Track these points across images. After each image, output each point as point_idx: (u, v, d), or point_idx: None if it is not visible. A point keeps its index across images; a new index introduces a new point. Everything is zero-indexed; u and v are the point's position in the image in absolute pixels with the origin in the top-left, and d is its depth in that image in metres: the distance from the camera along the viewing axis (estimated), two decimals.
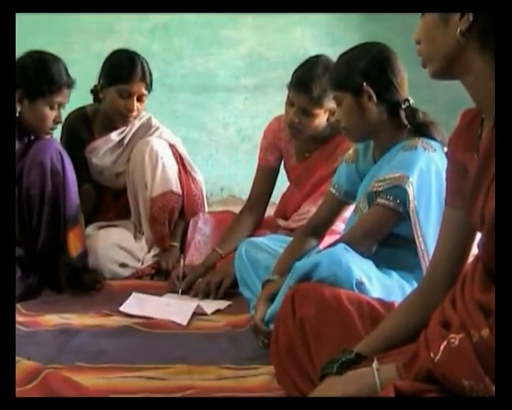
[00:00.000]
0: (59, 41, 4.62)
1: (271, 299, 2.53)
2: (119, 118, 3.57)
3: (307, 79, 3.05)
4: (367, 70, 2.44)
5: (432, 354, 1.44)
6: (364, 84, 2.43)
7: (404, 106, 2.47)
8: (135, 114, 3.56)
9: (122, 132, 3.65)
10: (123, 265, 3.51)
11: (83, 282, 3.26)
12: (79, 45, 4.82)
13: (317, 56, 3.15)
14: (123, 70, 3.52)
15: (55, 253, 3.18)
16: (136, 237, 3.67)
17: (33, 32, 4.50)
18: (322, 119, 3.10)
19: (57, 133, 3.55)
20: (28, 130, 3.14)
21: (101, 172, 3.68)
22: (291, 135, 3.24)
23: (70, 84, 3.20)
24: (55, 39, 4.57)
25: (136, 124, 3.67)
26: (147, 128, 3.69)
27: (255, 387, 2.21)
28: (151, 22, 4.84)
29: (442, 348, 1.43)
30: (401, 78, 2.47)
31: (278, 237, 3.12)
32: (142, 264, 3.57)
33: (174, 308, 2.95)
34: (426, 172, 2.36)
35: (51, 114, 3.15)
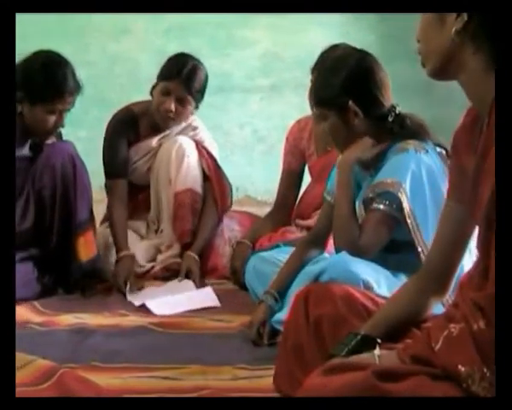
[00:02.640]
0: (74, 42, 4.63)
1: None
2: (159, 116, 3.53)
3: (327, 59, 3.06)
4: (349, 87, 2.41)
5: (433, 344, 1.46)
6: (350, 102, 2.40)
7: (391, 116, 2.44)
8: (172, 114, 3.51)
9: (163, 138, 3.64)
10: None
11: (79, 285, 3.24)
12: (94, 46, 4.83)
13: (337, 44, 3.16)
14: (169, 68, 3.49)
15: (66, 255, 3.18)
16: (145, 237, 3.67)
17: (48, 33, 4.51)
18: None
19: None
20: (30, 131, 3.14)
21: (135, 168, 3.66)
22: (317, 121, 3.24)
23: (74, 90, 3.13)
24: (69, 40, 4.58)
25: (178, 128, 3.65)
26: (185, 128, 3.67)
27: (270, 387, 2.20)
28: (166, 23, 4.84)
29: (442, 337, 1.45)
30: (385, 88, 2.44)
31: (288, 249, 3.10)
32: (154, 266, 3.55)
33: (198, 297, 3.10)
34: (418, 176, 2.34)
35: (50, 119, 3.10)
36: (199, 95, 3.55)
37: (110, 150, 3.58)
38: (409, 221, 2.32)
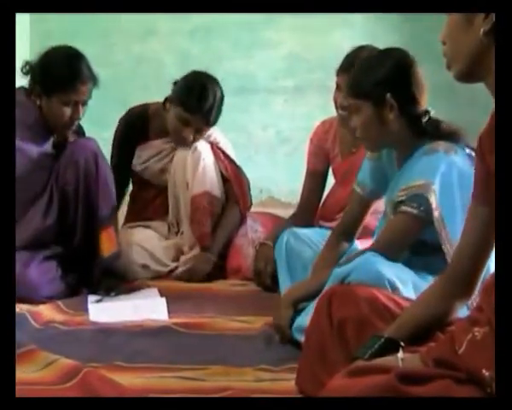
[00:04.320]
0: (99, 42, 4.66)
1: (296, 305, 2.58)
2: (174, 140, 3.56)
3: (354, 61, 3.06)
4: (390, 80, 2.40)
5: (456, 347, 1.46)
6: (388, 95, 2.39)
7: (424, 118, 2.43)
8: (189, 142, 3.54)
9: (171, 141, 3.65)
10: (144, 266, 3.50)
11: (103, 285, 3.23)
12: (119, 47, 4.85)
13: (363, 45, 3.16)
14: (189, 100, 3.47)
15: (89, 253, 3.19)
16: (167, 238, 3.67)
17: (73, 34, 4.53)
18: None
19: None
20: (50, 126, 3.18)
21: (146, 167, 3.68)
22: (342, 122, 3.24)
23: (87, 80, 3.17)
24: (95, 41, 4.60)
25: None
26: None
27: (292, 389, 2.19)
28: (191, 24, 4.85)
29: (466, 341, 1.45)
30: (423, 89, 2.43)
31: (323, 230, 3.10)
32: (177, 266, 3.56)
33: (145, 307, 2.98)
34: (448, 177, 2.32)
35: (66, 111, 3.14)
36: (217, 119, 3.55)
37: (114, 153, 3.67)
38: (436, 222, 2.31)
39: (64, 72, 3.12)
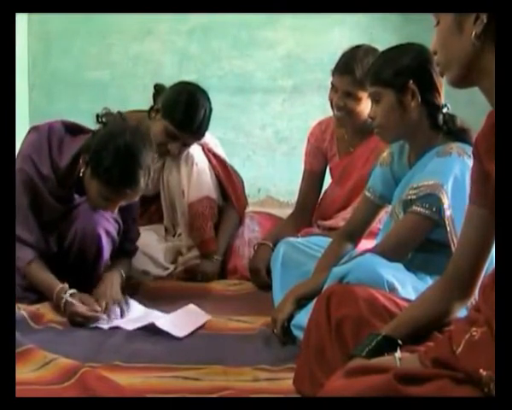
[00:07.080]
0: (97, 42, 4.66)
1: (299, 302, 2.58)
2: (158, 149, 3.30)
3: (350, 61, 3.08)
4: (413, 68, 2.43)
5: (454, 347, 1.46)
6: (411, 82, 2.41)
7: (443, 111, 2.45)
8: (175, 155, 3.46)
9: None
10: (144, 272, 3.47)
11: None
12: (118, 47, 4.85)
13: (359, 45, 3.16)
14: (180, 116, 3.33)
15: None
16: (166, 240, 3.66)
17: (72, 34, 4.53)
18: (366, 104, 3.10)
19: None
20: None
21: None
22: (338, 123, 3.24)
23: (136, 187, 2.79)
24: (93, 41, 4.60)
25: None
26: None
27: (291, 389, 2.19)
28: (189, 24, 4.86)
29: (464, 341, 1.45)
30: (441, 82, 2.45)
31: (318, 238, 3.10)
32: (176, 267, 3.56)
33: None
34: (460, 180, 2.33)
35: (102, 201, 2.86)
36: (205, 132, 3.48)
37: None
38: (447, 224, 2.32)
39: (116, 177, 2.75)
